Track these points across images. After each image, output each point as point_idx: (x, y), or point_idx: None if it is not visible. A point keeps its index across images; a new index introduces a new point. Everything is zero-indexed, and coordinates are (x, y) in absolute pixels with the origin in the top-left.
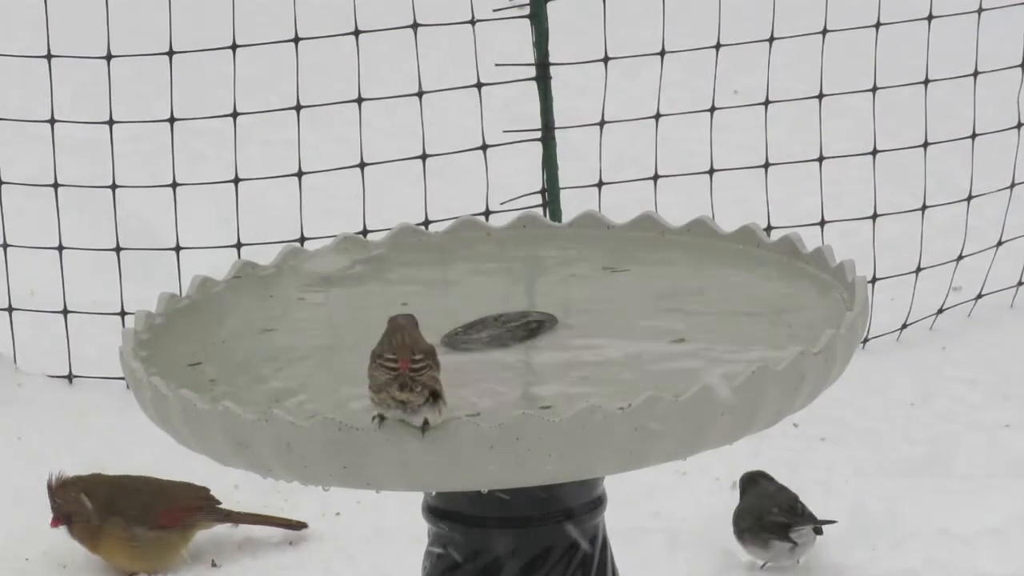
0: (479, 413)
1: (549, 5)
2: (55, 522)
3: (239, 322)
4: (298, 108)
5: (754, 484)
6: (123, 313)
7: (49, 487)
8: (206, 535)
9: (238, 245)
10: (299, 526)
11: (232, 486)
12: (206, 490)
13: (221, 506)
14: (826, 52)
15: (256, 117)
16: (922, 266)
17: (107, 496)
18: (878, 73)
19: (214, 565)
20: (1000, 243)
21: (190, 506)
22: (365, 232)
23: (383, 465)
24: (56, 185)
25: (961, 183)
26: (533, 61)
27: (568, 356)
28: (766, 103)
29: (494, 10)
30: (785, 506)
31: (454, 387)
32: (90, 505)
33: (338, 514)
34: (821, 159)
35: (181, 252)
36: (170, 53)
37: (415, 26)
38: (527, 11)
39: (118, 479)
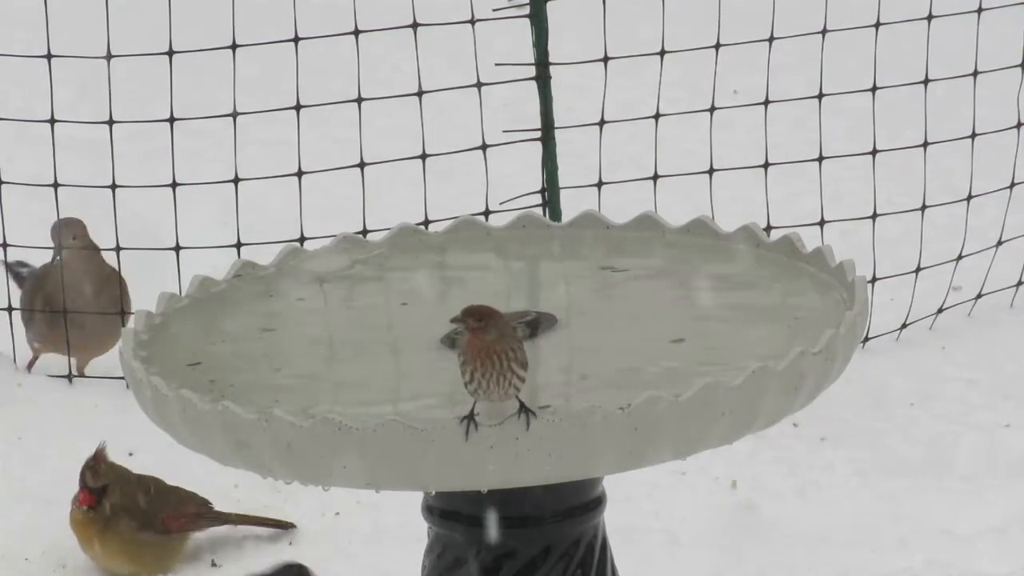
0: (479, 413)
1: (549, 5)
2: (86, 496)
3: (239, 322)
4: (298, 108)
5: None
6: (123, 313)
7: (96, 455)
8: (206, 535)
9: (238, 245)
10: (288, 526)
11: (232, 485)
12: (199, 495)
13: (217, 510)
14: (826, 52)
15: (256, 117)
16: (922, 266)
17: (124, 490)
18: (878, 73)
19: (214, 565)
20: (1000, 243)
21: (192, 513)
22: (365, 232)
23: (383, 465)
24: (56, 185)
25: (961, 183)
26: (533, 61)
27: (568, 356)
28: (766, 103)
29: (494, 10)
30: None
31: (453, 387)
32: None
33: (338, 514)
34: (821, 159)
35: (181, 252)
36: (170, 53)
37: (415, 26)
38: (527, 11)
39: (138, 476)
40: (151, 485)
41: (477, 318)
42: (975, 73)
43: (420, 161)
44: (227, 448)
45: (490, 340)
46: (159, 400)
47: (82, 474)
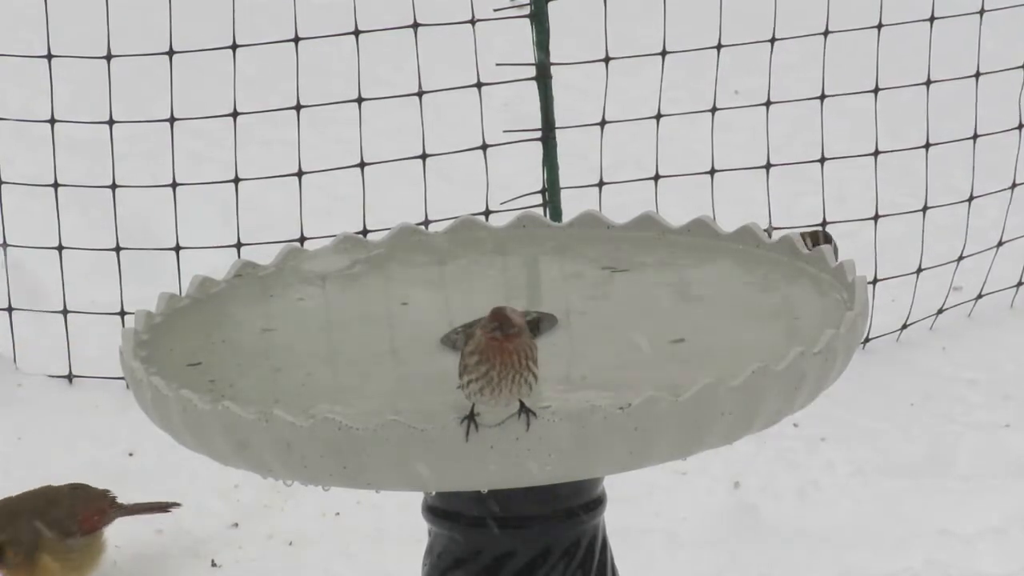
0: (479, 413)
1: (549, 5)
2: None
3: (239, 322)
4: (298, 108)
5: None
6: (123, 313)
7: None
8: (205, 535)
9: (238, 245)
10: (173, 506)
11: (232, 486)
12: (98, 488)
13: (119, 501)
14: (828, 53)
15: (256, 117)
16: (923, 266)
17: (18, 517)
18: (880, 74)
19: (214, 565)
20: (1000, 243)
21: (101, 507)
22: (365, 232)
23: (383, 465)
24: (56, 185)
25: (962, 184)
26: (533, 61)
27: (568, 356)
28: (767, 103)
29: (494, 10)
30: None
31: (453, 387)
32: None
33: (338, 514)
34: (822, 160)
35: (181, 252)
36: (170, 53)
37: (415, 26)
38: (527, 11)
39: (20, 499)
40: (49, 495)
41: (512, 324)
42: (977, 74)
43: (420, 161)
44: (227, 448)
45: (519, 342)
46: (159, 400)
47: None
